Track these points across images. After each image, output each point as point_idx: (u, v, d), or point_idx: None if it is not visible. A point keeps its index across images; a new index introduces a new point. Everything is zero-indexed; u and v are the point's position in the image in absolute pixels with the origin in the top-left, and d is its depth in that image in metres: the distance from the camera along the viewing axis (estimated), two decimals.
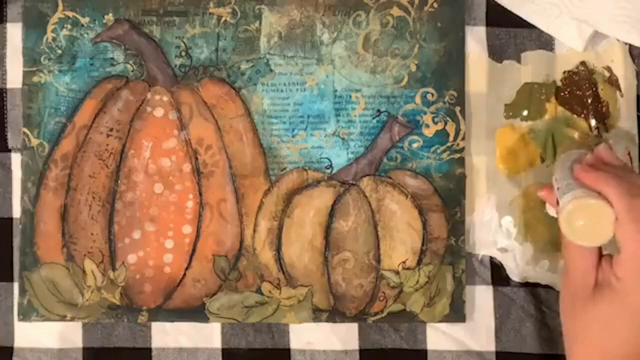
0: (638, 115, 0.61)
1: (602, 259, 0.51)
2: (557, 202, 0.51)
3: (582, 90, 0.61)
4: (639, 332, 0.48)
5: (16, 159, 0.60)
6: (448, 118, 0.60)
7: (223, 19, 0.60)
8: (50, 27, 0.59)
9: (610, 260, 0.50)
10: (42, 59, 0.59)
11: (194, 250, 0.59)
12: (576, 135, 0.60)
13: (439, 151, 0.60)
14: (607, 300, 0.49)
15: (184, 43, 0.60)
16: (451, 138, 0.60)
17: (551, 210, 0.58)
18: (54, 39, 0.59)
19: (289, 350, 0.60)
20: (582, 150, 0.56)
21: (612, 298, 0.49)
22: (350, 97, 0.60)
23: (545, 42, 0.61)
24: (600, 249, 0.51)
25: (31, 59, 0.59)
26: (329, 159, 0.60)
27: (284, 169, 0.59)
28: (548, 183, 0.55)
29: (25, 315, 0.59)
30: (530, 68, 0.61)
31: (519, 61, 0.61)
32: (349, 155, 0.60)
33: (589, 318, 0.50)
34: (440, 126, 0.60)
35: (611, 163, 0.52)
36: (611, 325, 0.49)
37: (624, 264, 0.48)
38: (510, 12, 0.61)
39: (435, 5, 0.60)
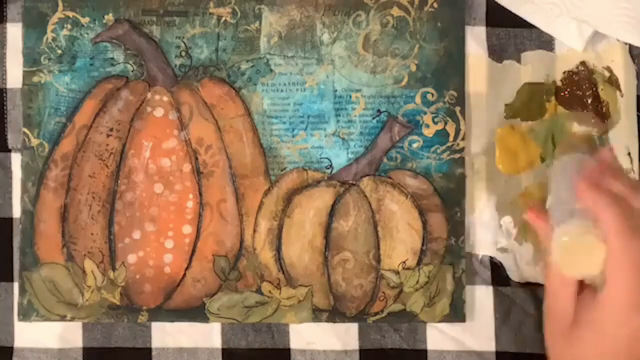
0: (638, 115, 0.61)
1: (584, 293, 0.49)
2: (546, 220, 0.50)
3: (582, 90, 0.61)
4: None
5: (16, 159, 0.60)
6: (448, 118, 0.60)
7: (223, 19, 0.60)
8: (50, 27, 0.59)
9: (591, 296, 0.48)
10: (42, 59, 0.59)
11: (194, 250, 0.59)
12: (574, 126, 0.59)
13: (439, 151, 0.60)
14: (586, 340, 0.48)
15: (184, 43, 0.60)
16: (451, 138, 0.60)
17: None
18: (54, 39, 0.59)
19: (289, 350, 0.60)
20: (581, 154, 0.53)
21: (591, 337, 0.47)
22: (350, 97, 0.60)
23: (545, 42, 0.61)
24: (582, 283, 0.49)
25: (31, 59, 0.59)
26: (329, 159, 0.60)
27: (284, 169, 0.59)
28: (537, 200, 0.54)
29: (25, 315, 0.59)
30: (530, 68, 0.61)
31: (519, 61, 0.61)
32: (349, 155, 0.60)
33: (569, 353, 0.48)
34: (440, 126, 0.60)
35: (615, 172, 0.50)
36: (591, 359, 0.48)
37: (606, 301, 0.46)
38: (510, 12, 0.61)
39: (435, 5, 0.60)
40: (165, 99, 0.59)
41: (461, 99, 0.60)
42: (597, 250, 0.46)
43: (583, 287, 0.49)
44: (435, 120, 0.60)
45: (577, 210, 0.48)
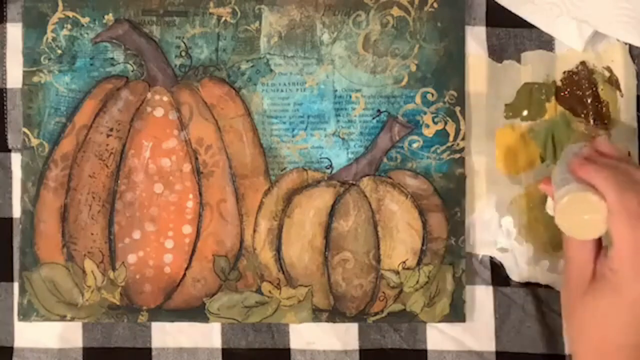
0: (638, 115, 0.61)
1: (601, 252, 0.51)
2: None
3: (582, 90, 0.61)
4: (634, 323, 0.49)
5: (16, 159, 0.60)
6: (448, 118, 0.60)
7: (223, 19, 0.60)
8: (50, 27, 0.59)
9: (607, 253, 0.50)
10: (42, 59, 0.59)
11: (194, 250, 0.59)
12: (582, 127, 0.60)
13: (439, 151, 0.60)
14: (603, 293, 0.50)
15: (184, 43, 0.60)
16: (451, 138, 0.60)
17: (551, 210, 0.58)
18: (54, 39, 0.59)
19: (289, 350, 0.60)
20: (583, 143, 0.56)
21: (608, 290, 0.49)
22: (350, 97, 0.60)
23: (545, 42, 0.61)
24: (600, 242, 0.51)
25: (31, 59, 0.59)
26: (329, 159, 0.60)
27: (284, 169, 0.59)
28: (549, 177, 0.55)
29: (25, 315, 0.59)
30: (530, 68, 0.61)
31: (519, 61, 0.61)
32: (349, 155, 0.60)
33: (587, 310, 0.50)
34: (440, 126, 0.60)
35: (609, 155, 0.53)
36: (608, 317, 0.49)
37: (617, 257, 0.49)
38: (510, 12, 0.61)
39: (435, 5, 0.60)
40: (165, 99, 0.59)
41: (461, 99, 0.60)
42: (598, 207, 0.48)
43: (601, 247, 0.51)
44: (435, 120, 0.60)
45: (575, 181, 0.50)
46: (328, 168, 0.60)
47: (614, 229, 0.48)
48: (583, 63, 0.61)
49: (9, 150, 0.60)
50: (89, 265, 0.59)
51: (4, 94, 0.61)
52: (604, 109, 0.60)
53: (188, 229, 0.59)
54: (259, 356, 0.60)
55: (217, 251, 0.59)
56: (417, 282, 0.59)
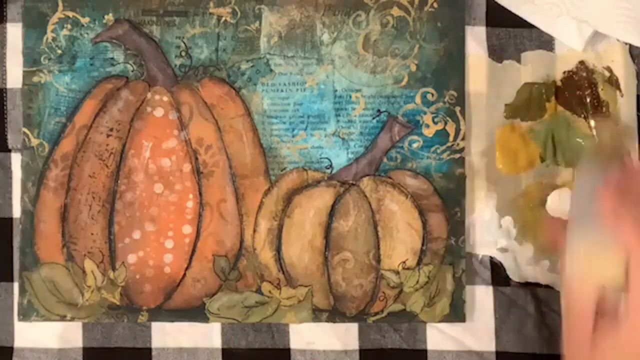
0: (638, 115, 0.61)
1: (602, 321, 0.49)
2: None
3: (582, 90, 0.61)
4: None
5: (16, 159, 0.60)
6: (448, 118, 0.60)
7: (223, 19, 0.60)
8: (50, 27, 0.59)
9: (609, 321, 0.48)
10: (42, 59, 0.59)
11: (194, 250, 0.59)
12: (592, 122, 0.59)
13: (439, 151, 0.60)
14: (607, 345, 0.48)
15: (184, 43, 0.60)
16: (451, 138, 0.60)
17: (551, 210, 0.58)
18: (54, 39, 0.59)
19: (289, 350, 0.60)
20: (606, 163, 0.52)
21: (612, 342, 0.48)
22: (350, 97, 0.60)
23: (545, 42, 0.61)
24: (597, 315, 0.50)
25: (31, 59, 0.59)
26: (329, 159, 0.60)
27: (284, 169, 0.59)
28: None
29: (25, 315, 0.59)
30: (530, 68, 0.61)
31: (519, 61, 0.61)
32: (349, 155, 0.60)
33: None
34: (440, 126, 0.60)
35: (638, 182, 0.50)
36: None
37: (632, 306, 0.47)
38: (510, 12, 0.61)
39: (435, 5, 0.60)
40: (165, 99, 0.59)
41: (461, 99, 0.60)
42: (616, 260, 0.46)
43: (598, 319, 0.49)
44: (435, 120, 0.60)
45: (597, 221, 0.48)
46: (328, 168, 0.60)
47: (633, 279, 0.46)
48: (583, 63, 0.61)
49: (9, 150, 0.60)
50: (89, 265, 0.59)
51: (4, 94, 0.61)
52: (604, 109, 0.60)
53: (188, 229, 0.59)
54: (259, 356, 0.60)
55: (217, 251, 0.59)
56: (417, 282, 0.59)
